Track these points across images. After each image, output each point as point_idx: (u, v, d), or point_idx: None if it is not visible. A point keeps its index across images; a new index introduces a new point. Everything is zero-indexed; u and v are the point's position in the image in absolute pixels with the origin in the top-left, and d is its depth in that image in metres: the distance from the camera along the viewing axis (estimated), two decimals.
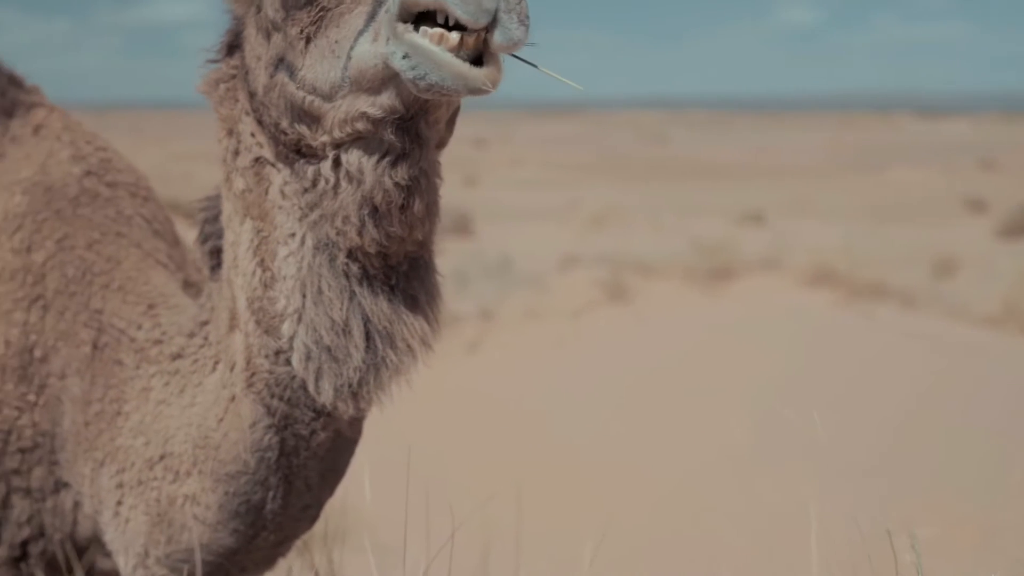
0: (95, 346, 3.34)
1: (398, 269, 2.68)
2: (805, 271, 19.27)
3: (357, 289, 2.66)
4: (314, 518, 3.21)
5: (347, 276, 2.66)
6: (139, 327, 3.31)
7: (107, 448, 3.23)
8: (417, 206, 2.56)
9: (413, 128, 2.49)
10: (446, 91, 2.31)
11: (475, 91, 2.31)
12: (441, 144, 2.66)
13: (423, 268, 2.73)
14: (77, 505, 3.34)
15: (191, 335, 3.21)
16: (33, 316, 3.37)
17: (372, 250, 2.60)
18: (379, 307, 2.66)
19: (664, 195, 42.32)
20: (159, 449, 3.14)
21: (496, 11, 2.24)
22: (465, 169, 55.59)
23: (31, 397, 3.32)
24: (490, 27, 2.27)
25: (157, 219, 3.68)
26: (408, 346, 2.68)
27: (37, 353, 3.34)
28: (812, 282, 18.67)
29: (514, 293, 16.81)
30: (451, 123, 2.65)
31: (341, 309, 2.66)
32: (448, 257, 21.24)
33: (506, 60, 2.38)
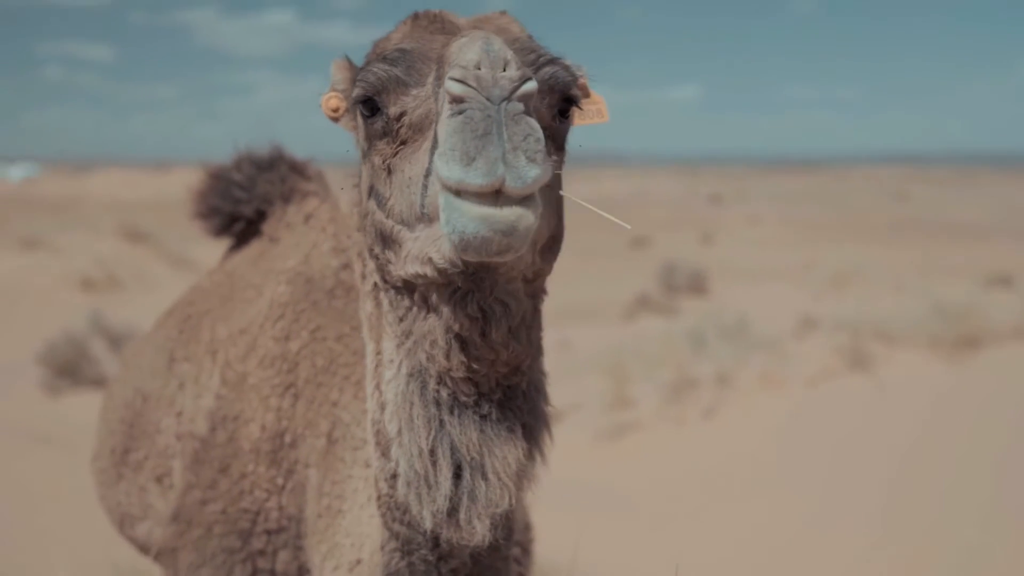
0: (329, 438, 3.45)
1: (490, 397, 2.61)
2: None
3: (446, 418, 2.61)
4: None
5: (437, 404, 2.61)
6: (359, 424, 3.39)
7: (330, 542, 3.30)
8: (495, 334, 2.51)
9: (478, 274, 2.45)
10: (476, 239, 2.22)
11: (504, 232, 2.21)
12: (537, 275, 2.61)
13: (521, 397, 2.66)
14: None
15: None
16: (286, 403, 3.54)
17: (460, 374, 2.56)
18: (468, 437, 2.60)
19: (906, 256, 41.08)
20: (357, 553, 3.19)
21: (502, 156, 2.18)
22: (701, 227, 55.28)
23: (279, 480, 3.46)
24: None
25: None
26: (500, 479, 2.60)
27: (287, 439, 3.49)
28: None
29: (751, 356, 16.57)
30: (548, 251, 2.60)
31: (428, 438, 2.61)
32: (684, 317, 21.30)
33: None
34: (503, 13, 2.80)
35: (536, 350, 2.71)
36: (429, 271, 2.46)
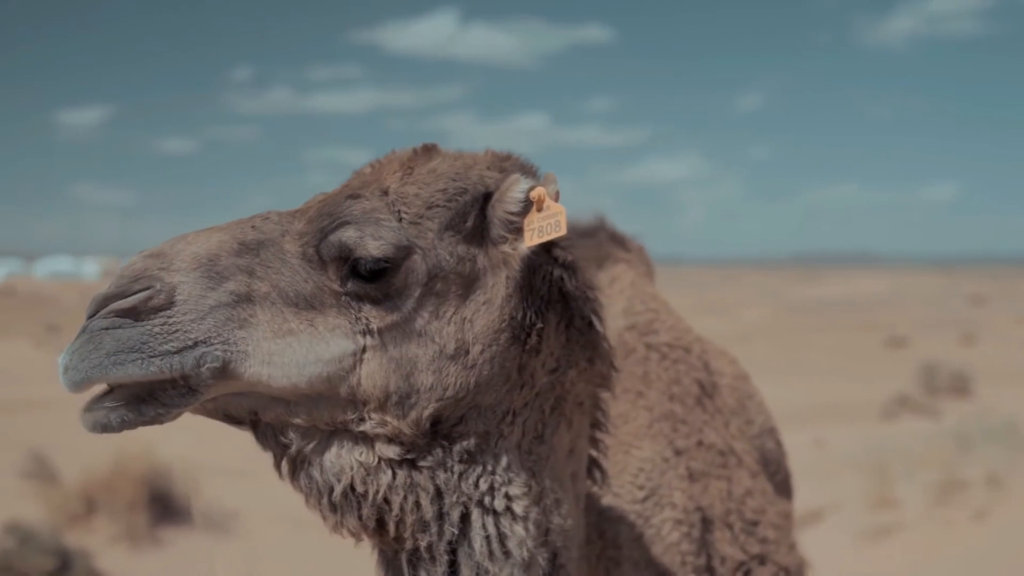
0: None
1: (398, 557, 2.62)
2: None
3: (380, 566, 2.69)
4: None
5: (379, 552, 2.69)
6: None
7: None
8: (310, 503, 2.59)
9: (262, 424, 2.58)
10: None
11: (88, 427, 2.41)
12: (397, 434, 2.55)
13: (427, 560, 2.58)
14: None
15: None
16: None
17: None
18: None
19: None
20: None
21: (67, 361, 2.35)
22: (961, 327, 53.29)
23: None
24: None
25: (680, 382, 3.71)
26: None
27: None
28: None
29: (1022, 458, 15.73)
30: (394, 407, 2.53)
31: None
32: (946, 418, 20.31)
33: None
34: (422, 150, 2.76)
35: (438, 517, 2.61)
36: None
